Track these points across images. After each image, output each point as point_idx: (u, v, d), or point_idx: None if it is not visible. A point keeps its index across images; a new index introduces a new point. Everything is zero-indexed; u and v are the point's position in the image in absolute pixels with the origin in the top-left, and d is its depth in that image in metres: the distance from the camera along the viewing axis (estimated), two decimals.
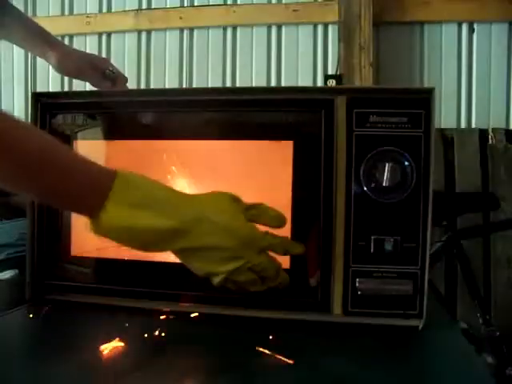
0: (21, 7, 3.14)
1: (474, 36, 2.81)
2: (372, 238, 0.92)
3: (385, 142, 0.92)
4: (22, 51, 3.24)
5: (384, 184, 0.91)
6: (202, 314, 0.99)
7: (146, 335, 0.91)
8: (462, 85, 2.82)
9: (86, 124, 1.07)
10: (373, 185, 0.91)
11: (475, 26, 2.81)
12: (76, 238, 1.07)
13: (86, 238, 1.07)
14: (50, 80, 3.21)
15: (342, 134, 0.93)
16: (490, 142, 2.69)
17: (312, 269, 0.95)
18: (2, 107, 3.26)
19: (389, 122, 0.92)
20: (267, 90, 1.10)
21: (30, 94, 1.10)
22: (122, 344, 0.86)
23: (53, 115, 1.07)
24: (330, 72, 2.90)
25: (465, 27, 2.82)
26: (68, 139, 1.07)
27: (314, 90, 1.03)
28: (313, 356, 0.82)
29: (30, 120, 1.08)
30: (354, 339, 0.90)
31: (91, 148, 1.08)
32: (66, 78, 3.20)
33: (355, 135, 0.93)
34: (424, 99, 0.93)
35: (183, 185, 1.01)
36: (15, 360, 0.83)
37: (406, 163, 0.91)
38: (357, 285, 0.93)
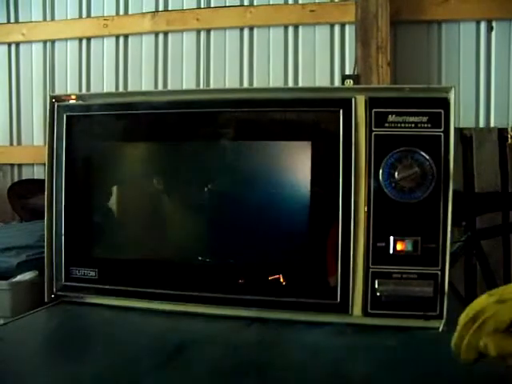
0: (39, 11, 3.18)
1: (493, 34, 2.78)
2: (391, 238, 0.92)
3: (404, 141, 0.91)
4: (41, 54, 3.27)
5: (403, 184, 0.90)
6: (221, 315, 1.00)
7: (167, 335, 0.91)
8: (481, 83, 2.79)
9: (104, 126, 1.08)
10: (392, 185, 0.91)
11: (494, 23, 2.78)
12: (97, 240, 1.08)
13: (106, 239, 1.08)
14: (69, 82, 3.23)
15: (361, 133, 0.93)
16: (510, 140, 2.66)
17: (331, 270, 0.94)
18: (21, 110, 3.28)
19: (408, 122, 0.92)
20: (285, 89, 1.10)
21: (48, 96, 1.10)
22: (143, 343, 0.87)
23: (70, 117, 1.08)
24: (347, 72, 2.88)
25: (483, 25, 2.78)
26: (86, 141, 1.08)
27: (332, 89, 1.03)
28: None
29: (47, 122, 1.09)
30: (374, 339, 0.89)
31: (109, 150, 1.09)
32: (84, 81, 3.22)
33: (374, 135, 0.93)
34: (443, 98, 0.92)
35: (204, 185, 1.01)
36: (36, 360, 0.84)
37: (426, 163, 0.90)
38: (376, 286, 0.92)
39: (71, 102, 1.10)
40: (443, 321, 0.91)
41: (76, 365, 0.77)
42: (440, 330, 0.91)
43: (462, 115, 2.70)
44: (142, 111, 1.05)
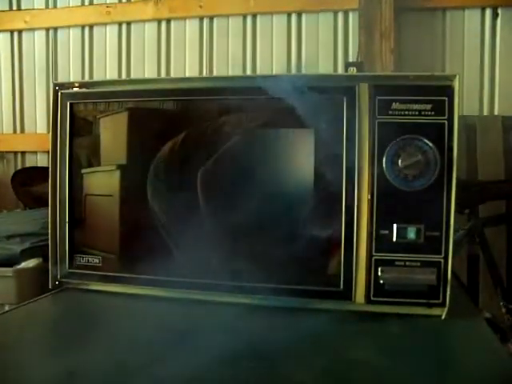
0: None
1: (498, 21, 2.76)
2: (395, 226, 0.92)
3: (408, 129, 0.91)
4: (44, 41, 3.26)
5: (407, 172, 0.90)
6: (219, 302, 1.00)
7: (168, 323, 0.92)
8: (485, 71, 2.78)
9: (107, 113, 1.08)
10: (396, 173, 0.91)
11: (499, 10, 2.75)
12: (100, 227, 1.08)
13: (111, 226, 1.08)
14: (71, 70, 3.23)
15: (364, 121, 0.93)
16: None
17: (334, 258, 0.94)
18: (24, 98, 3.28)
19: (412, 110, 0.92)
20: (289, 77, 1.09)
21: (51, 84, 1.10)
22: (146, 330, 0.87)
23: (73, 105, 1.08)
24: (350, 59, 2.87)
25: (488, 12, 2.76)
26: (90, 128, 1.08)
27: (335, 77, 1.02)
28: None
29: (51, 109, 1.09)
30: (378, 327, 0.89)
31: (113, 137, 1.09)
32: (87, 68, 3.21)
33: (378, 123, 0.92)
34: (447, 86, 0.92)
35: (208, 173, 1.01)
36: (40, 347, 0.85)
37: (430, 151, 0.90)
38: (379, 274, 0.93)
39: (75, 89, 1.10)
40: (446, 309, 0.91)
41: (79, 352, 0.78)
42: (443, 317, 0.91)
43: (465, 103, 2.69)
44: (143, 98, 1.05)
